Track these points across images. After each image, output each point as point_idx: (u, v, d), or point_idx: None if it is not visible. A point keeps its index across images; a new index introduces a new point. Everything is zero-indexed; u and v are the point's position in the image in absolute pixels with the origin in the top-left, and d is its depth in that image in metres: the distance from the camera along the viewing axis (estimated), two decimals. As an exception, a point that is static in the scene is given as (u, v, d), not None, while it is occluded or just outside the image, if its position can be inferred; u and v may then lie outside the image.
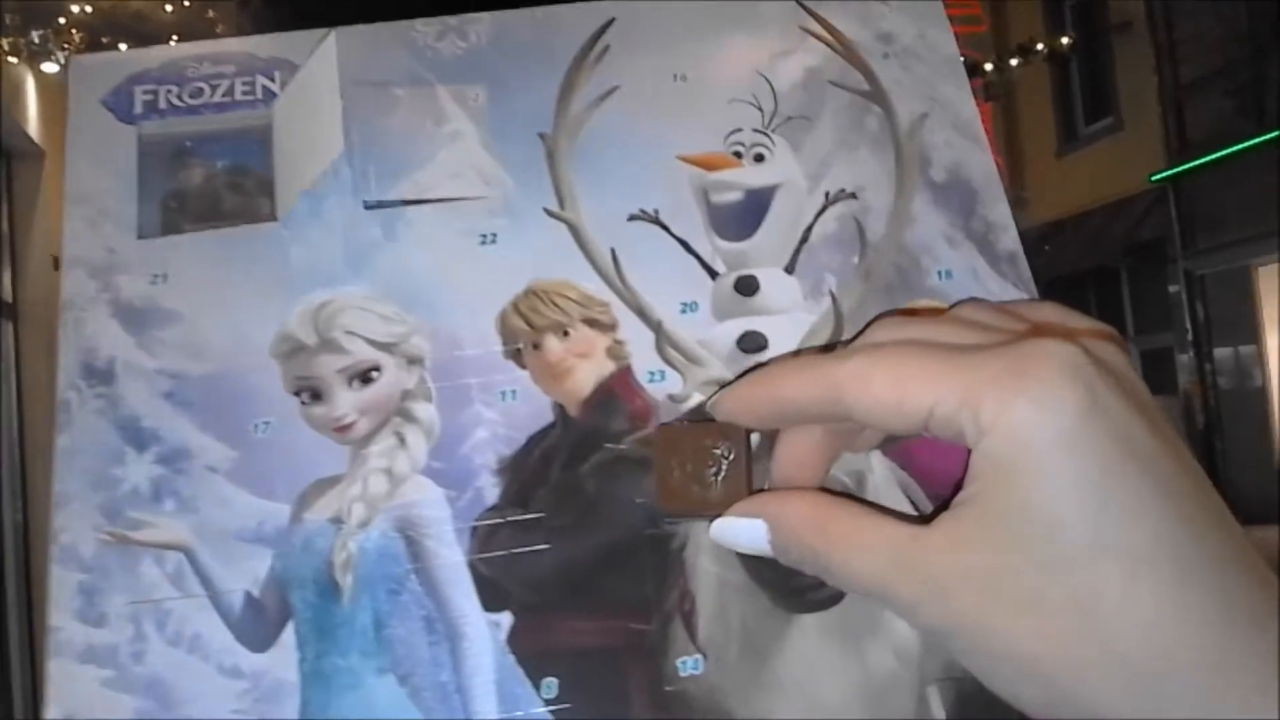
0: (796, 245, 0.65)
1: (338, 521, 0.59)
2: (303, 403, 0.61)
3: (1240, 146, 7.85)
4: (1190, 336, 8.76)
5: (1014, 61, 8.60)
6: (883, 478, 0.60)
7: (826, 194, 0.66)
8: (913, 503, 0.60)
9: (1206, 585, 0.23)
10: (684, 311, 0.64)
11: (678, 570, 0.58)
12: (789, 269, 0.65)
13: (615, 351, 0.63)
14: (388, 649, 0.56)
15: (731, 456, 0.30)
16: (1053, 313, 0.29)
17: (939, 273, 0.65)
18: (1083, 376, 0.24)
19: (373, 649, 0.56)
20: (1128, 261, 9.35)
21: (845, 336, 0.63)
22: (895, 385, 0.26)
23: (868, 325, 0.30)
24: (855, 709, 0.56)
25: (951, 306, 0.30)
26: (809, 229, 0.66)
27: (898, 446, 0.61)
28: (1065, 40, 8.67)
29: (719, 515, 0.30)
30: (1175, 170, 8.62)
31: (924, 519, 0.26)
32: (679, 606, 0.58)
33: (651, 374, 0.63)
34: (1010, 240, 0.65)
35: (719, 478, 0.30)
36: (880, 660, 0.56)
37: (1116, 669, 0.23)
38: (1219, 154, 8.09)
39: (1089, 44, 9.16)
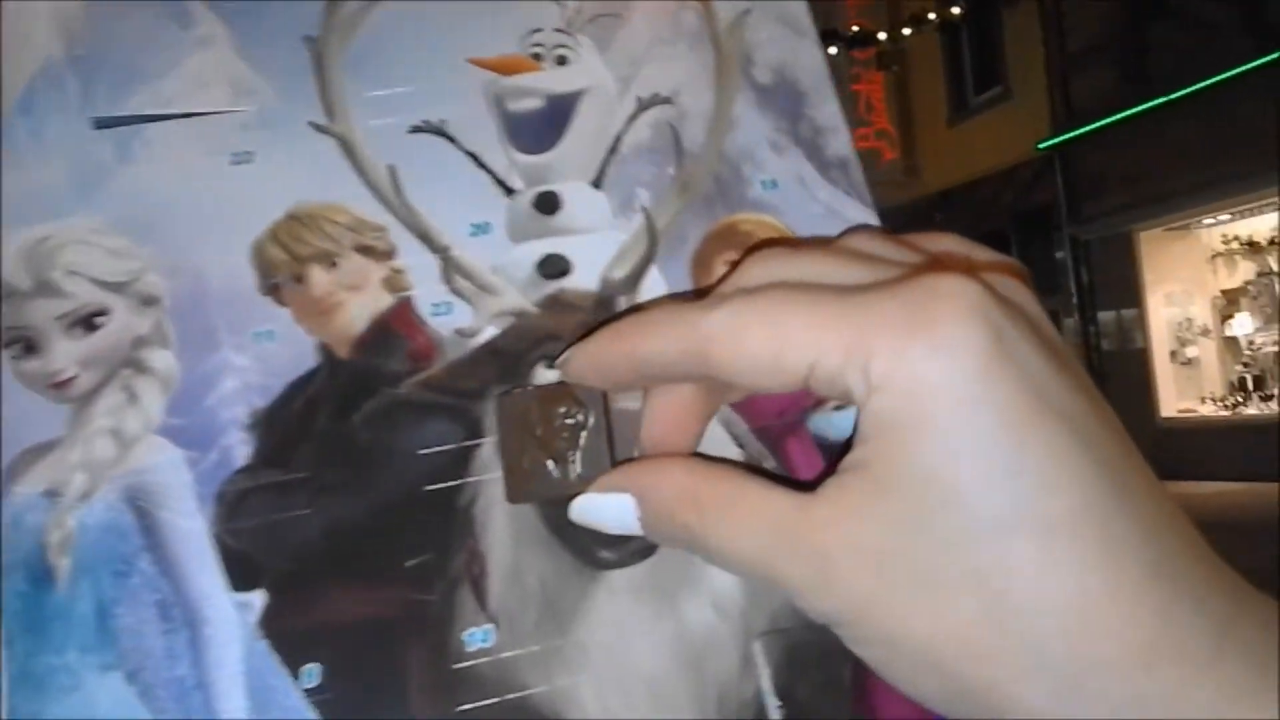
0: (604, 157, 0.58)
1: (53, 494, 0.49)
2: (12, 357, 0.51)
3: (1123, 115, 8.13)
4: (1076, 300, 9.07)
5: (906, 31, 8.71)
6: (702, 412, 0.53)
7: (638, 99, 0.59)
8: (734, 438, 0.53)
9: (1137, 559, 0.20)
10: (475, 234, 0.55)
11: (466, 529, 0.50)
12: (596, 183, 0.57)
13: (393, 282, 0.54)
14: (113, 642, 0.47)
15: (590, 423, 0.27)
16: (953, 243, 0.26)
17: (763, 182, 0.58)
18: (988, 319, 0.21)
19: (94, 643, 0.47)
20: (1016, 228, 9.60)
21: (660, 256, 0.55)
22: (770, 339, 0.23)
23: (742, 258, 0.26)
24: (672, 672, 0.49)
25: (840, 235, 0.26)
26: (618, 138, 0.58)
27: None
28: (956, 10, 8.83)
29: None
30: (1061, 138, 8.88)
31: (809, 486, 0.23)
32: (467, 570, 0.50)
33: (437, 306, 0.54)
34: (841, 144, 0.58)
35: (577, 452, 0.27)
36: (698, 616, 0.49)
37: (1029, 659, 0.20)
38: (1103, 122, 8.36)
39: (979, 14, 9.35)
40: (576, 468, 0.27)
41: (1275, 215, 7.95)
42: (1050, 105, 9.05)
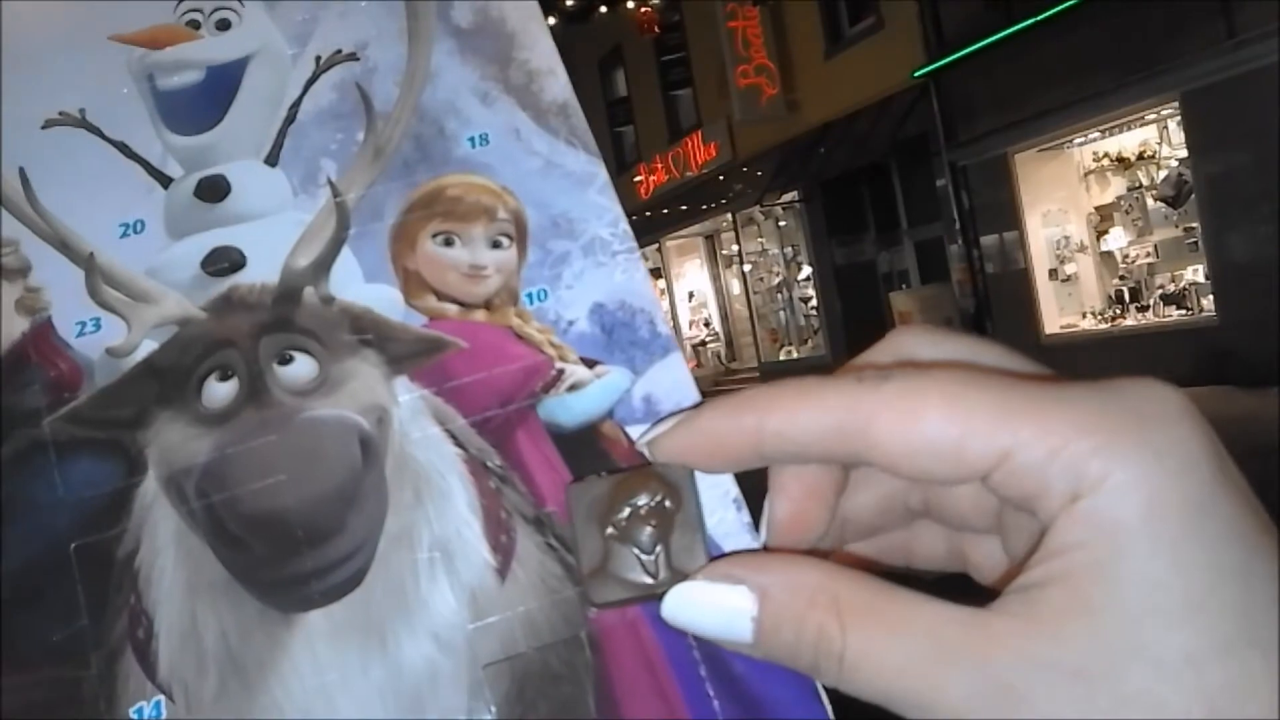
0: (280, 129, 0.50)
1: None
2: None
3: (991, 39, 8.29)
4: (958, 226, 9.28)
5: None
6: (411, 409, 0.46)
7: (318, 58, 0.51)
8: (450, 435, 0.46)
9: None
10: (125, 234, 0.47)
11: (127, 585, 0.42)
12: (271, 160, 0.49)
13: (29, 303, 0.46)
14: None
15: (680, 510, 0.23)
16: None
17: (471, 139, 0.51)
18: (1204, 426, 0.20)
19: None
20: (897, 157, 9.73)
21: (353, 233, 0.48)
22: (952, 421, 0.21)
23: (880, 341, 0.24)
24: (390, 716, 0.42)
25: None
26: (296, 105, 0.50)
27: (433, 366, 0.47)
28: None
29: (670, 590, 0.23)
30: (934, 66, 9.02)
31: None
32: (130, 635, 0.42)
33: (82, 325, 0.46)
34: (559, 87, 0.52)
35: (667, 544, 0.23)
36: (416, 651, 0.42)
37: None
38: (972, 48, 8.51)
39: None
40: (666, 561, 0.23)
41: (1141, 131, 8.25)
42: (922, 33, 9.16)
